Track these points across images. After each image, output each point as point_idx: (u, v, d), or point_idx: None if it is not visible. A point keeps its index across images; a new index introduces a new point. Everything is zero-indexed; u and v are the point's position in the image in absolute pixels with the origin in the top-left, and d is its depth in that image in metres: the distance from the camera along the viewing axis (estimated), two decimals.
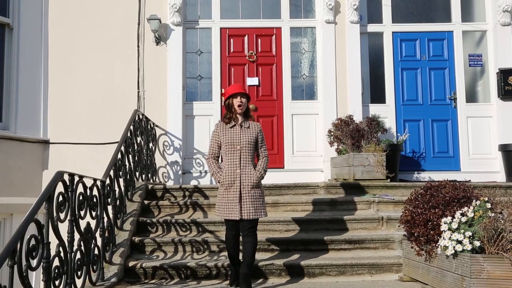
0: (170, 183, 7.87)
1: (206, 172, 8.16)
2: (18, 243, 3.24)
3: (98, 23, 8.22)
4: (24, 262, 3.32)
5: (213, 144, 4.77)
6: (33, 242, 3.47)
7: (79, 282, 4.25)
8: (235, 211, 4.54)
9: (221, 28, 8.49)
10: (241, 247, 4.71)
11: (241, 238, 4.66)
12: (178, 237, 5.59)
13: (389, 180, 6.90)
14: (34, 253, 3.49)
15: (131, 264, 5.08)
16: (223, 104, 4.78)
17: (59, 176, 4.05)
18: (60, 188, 4.07)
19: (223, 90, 8.29)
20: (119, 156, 5.83)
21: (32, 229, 3.50)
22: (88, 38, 8.19)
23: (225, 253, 5.33)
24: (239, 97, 4.72)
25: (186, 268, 5.07)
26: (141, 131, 7.17)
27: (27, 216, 3.43)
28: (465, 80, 8.43)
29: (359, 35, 8.27)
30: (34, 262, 3.51)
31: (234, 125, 4.72)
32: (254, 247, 4.60)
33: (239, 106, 4.70)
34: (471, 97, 8.52)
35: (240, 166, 4.60)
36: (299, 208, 6.27)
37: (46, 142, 7.97)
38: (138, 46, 8.22)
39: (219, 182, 4.70)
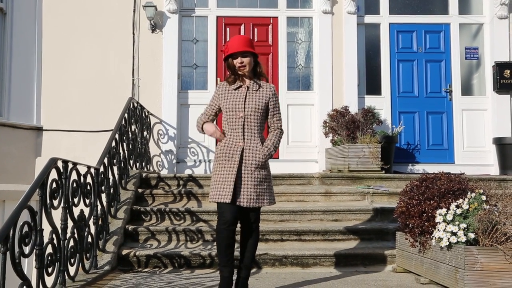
0: (164, 172, 7.84)
1: (200, 161, 8.13)
2: (11, 229, 3.20)
3: (93, 10, 8.13)
4: (16, 249, 3.29)
5: (209, 107, 3.91)
6: (26, 229, 3.44)
7: (72, 269, 4.23)
8: (226, 191, 3.62)
9: (217, 17, 8.42)
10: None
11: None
12: (172, 226, 5.57)
13: (383, 171, 6.91)
14: (27, 240, 3.45)
15: (124, 252, 5.07)
16: (225, 65, 3.88)
17: (52, 162, 4.01)
18: (53, 175, 4.03)
19: (219, 79, 8.24)
20: (113, 144, 5.79)
21: (25, 216, 3.47)
22: (83, 25, 8.10)
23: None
24: (239, 58, 3.74)
25: (179, 257, 5.06)
26: (135, 119, 7.12)
27: (20, 202, 3.40)
28: (461, 73, 8.44)
29: (356, 26, 8.24)
30: (27, 249, 3.47)
31: (240, 86, 3.79)
32: (256, 245, 3.86)
33: (240, 67, 3.75)
34: (467, 90, 8.52)
35: (244, 138, 3.69)
36: (294, 198, 6.27)
37: (39, 129, 7.91)
38: (133, 34, 8.15)
39: (218, 143, 3.85)
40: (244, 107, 3.71)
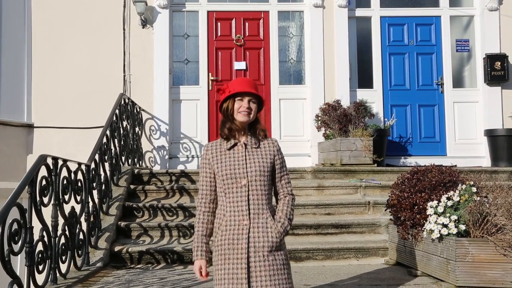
0: (156, 168, 7.81)
1: (193, 157, 8.11)
2: (0, 227, 3.19)
3: (83, 5, 8.06)
4: (6, 247, 3.28)
5: (204, 180, 2.86)
6: (15, 226, 3.42)
7: (63, 266, 4.22)
8: None
9: (208, 12, 8.38)
10: None
11: None
12: (165, 222, 5.56)
13: (376, 164, 6.92)
14: (16, 237, 3.44)
15: (117, 249, 5.05)
16: (219, 110, 2.92)
17: (42, 159, 3.98)
18: (43, 172, 4.01)
19: (210, 74, 8.21)
20: (105, 140, 5.77)
21: (14, 214, 3.45)
22: (73, 20, 8.04)
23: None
24: (246, 101, 2.81)
25: (172, 252, 5.06)
26: (127, 115, 7.09)
27: (9, 200, 3.38)
28: (452, 65, 8.44)
29: (347, 19, 8.21)
30: (16, 247, 3.46)
31: (235, 144, 2.84)
32: None
33: (244, 112, 2.80)
34: (458, 82, 8.54)
35: (249, 213, 2.75)
36: None
37: (30, 126, 7.86)
38: (124, 29, 8.09)
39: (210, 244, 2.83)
40: (247, 172, 2.78)
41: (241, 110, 2.79)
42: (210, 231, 2.82)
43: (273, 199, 2.92)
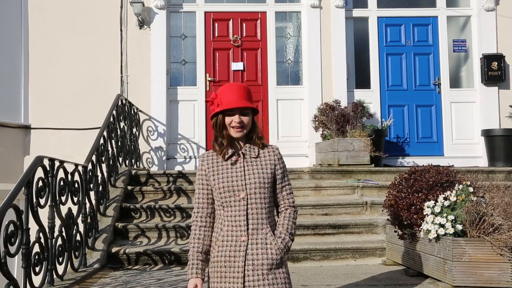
0: (154, 169, 7.81)
1: (190, 157, 8.11)
2: None
3: (80, 6, 8.05)
4: (2, 248, 3.27)
5: (200, 193, 2.64)
6: (12, 228, 3.42)
7: (60, 268, 4.21)
8: None
9: (205, 12, 8.38)
10: None
11: None
12: (162, 223, 5.56)
13: (373, 165, 6.92)
14: (13, 239, 3.44)
15: (114, 250, 5.05)
16: (211, 123, 2.67)
17: (38, 161, 3.98)
18: (40, 173, 4.01)
19: (208, 75, 8.21)
20: (102, 141, 5.76)
21: (11, 215, 3.45)
22: (70, 21, 8.03)
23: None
24: (237, 116, 2.55)
25: (170, 253, 5.05)
26: (124, 116, 7.08)
27: (5, 201, 3.37)
28: (449, 66, 8.45)
29: (344, 20, 8.22)
30: (13, 249, 3.45)
31: (233, 154, 2.62)
32: None
33: (237, 128, 2.57)
34: (455, 82, 8.55)
35: (248, 229, 2.54)
36: None
37: (27, 127, 7.85)
38: (121, 30, 8.09)
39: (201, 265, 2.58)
40: (245, 184, 2.57)
41: (233, 125, 2.56)
42: (207, 247, 2.59)
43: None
